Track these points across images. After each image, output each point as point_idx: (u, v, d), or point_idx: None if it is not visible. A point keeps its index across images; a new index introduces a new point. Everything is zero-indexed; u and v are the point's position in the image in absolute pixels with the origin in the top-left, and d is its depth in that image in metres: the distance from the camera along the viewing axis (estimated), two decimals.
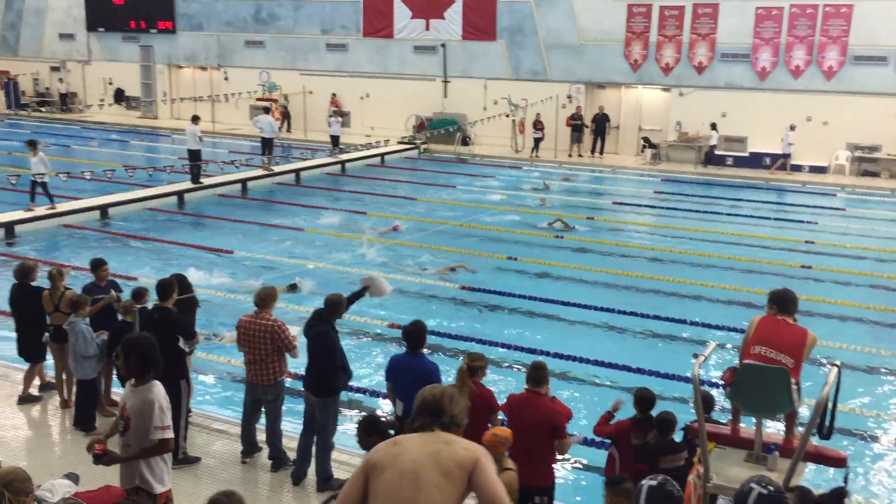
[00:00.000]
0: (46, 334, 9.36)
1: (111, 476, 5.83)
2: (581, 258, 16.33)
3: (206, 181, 22.43)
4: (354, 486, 3.66)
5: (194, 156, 22.24)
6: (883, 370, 11.17)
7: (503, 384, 9.78)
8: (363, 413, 9.70)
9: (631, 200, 22.72)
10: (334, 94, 33.55)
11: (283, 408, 8.13)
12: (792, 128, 25.79)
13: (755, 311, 6.70)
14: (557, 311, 13.18)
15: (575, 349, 11.24)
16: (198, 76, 37.53)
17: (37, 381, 9.67)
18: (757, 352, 5.71)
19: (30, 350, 9.55)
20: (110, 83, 38.84)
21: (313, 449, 7.72)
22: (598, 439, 7.78)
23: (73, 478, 5.83)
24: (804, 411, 6.66)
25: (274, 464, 7.99)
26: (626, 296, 14.05)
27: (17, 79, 39.80)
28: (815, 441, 5.75)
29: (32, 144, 19.08)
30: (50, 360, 9.56)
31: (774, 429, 7.19)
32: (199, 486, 7.50)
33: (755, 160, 27.06)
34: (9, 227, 17.76)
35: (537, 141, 29.11)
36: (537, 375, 6.53)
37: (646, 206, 22.12)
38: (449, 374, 8.07)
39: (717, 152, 27.59)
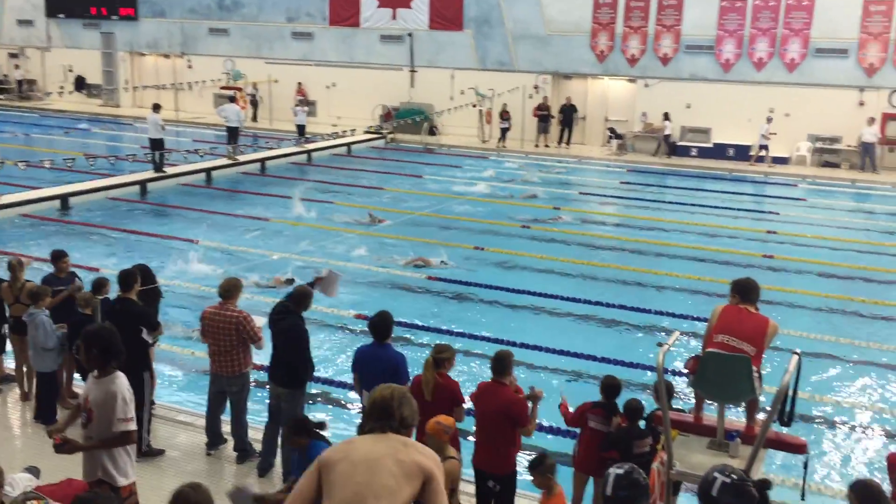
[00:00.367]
0: (6, 326, 9.19)
1: (73, 469, 5.74)
2: (548, 248, 16.41)
3: (169, 170, 22.14)
4: (307, 484, 3.64)
5: (156, 145, 21.92)
6: (842, 358, 11.37)
7: (470, 374, 9.81)
8: (329, 404, 9.68)
9: (597, 191, 22.86)
10: (300, 83, 33.27)
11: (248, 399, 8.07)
12: (769, 120, 26.06)
13: (718, 301, 6.78)
14: (524, 300, 13.24)
15: (541, 338, 11.30)
16: (160, 64, 36.98)
17: None
18: (720, 340, 5.79)
19: None
20: (70, 70, 38.12)
21: (279, 440, 7.68)
22: (563, 427, 7.86)
23: (34, 471, 5.74)
24: (766, 399, 6.76)
25: (239, 456, 7.94)
26: (592, 285, 14.15)
27: None
28: (776, 428, 5.84)
29: None
30: (10, 351, 9.39)
31: (736, 416, 7.29)
32: (164, 478, 7.43)
33: (719, 151, 27.36)
34: None
35: (504, 131, 29.16)
36: (499, 365, 6.56)
37: (612, 196, 22.28)
38: (417, 364, 8.07)
39: (680, 143, 27.88)
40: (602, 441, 6.58)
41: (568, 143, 29.39)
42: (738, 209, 20.59)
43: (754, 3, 26.93)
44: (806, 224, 19.35)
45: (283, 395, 7.59)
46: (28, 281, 9.09)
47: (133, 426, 5.47)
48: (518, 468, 6.69)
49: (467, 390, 7.12)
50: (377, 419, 3.69)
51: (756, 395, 5.86)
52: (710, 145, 27.65)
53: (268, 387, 8.10)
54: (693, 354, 6.04)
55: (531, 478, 6.08)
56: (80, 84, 37.97)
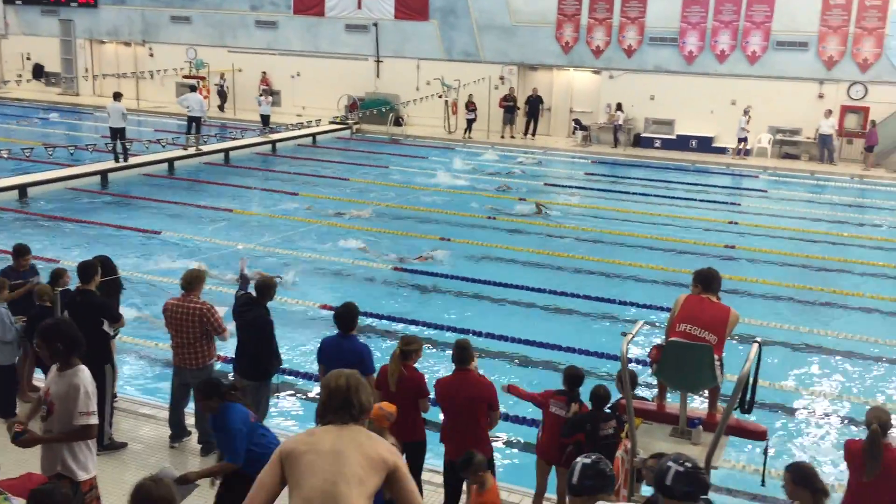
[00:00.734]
0: None
1: (33, 464, 5.65)
2: (513, 239, 16.47)
3: (131, 160, 21.81)
4: (269, 474, 3.63)
5: (118, 134, 21.58)
6: (802, 346, 11.58)
7: (437, 366, 9.82)
8: (293, 395, 9.64)
9: (562, 182, 22.98)
10: (264, 73, 32.96)
11: None
12: (746, 112, 26.33)
13: (681, 290, 6.85)
14: (489, 291, 13.27)
15: (505, 328, 11.35)
16: (121, 52, 36.37)
17: None
18: (682, 329, 5.86)
19: None
20: (28, 58, 37.34)
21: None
22: (520, 415, 7.93)
23: None
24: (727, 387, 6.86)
25: (203, 448, 7.87)
26: (557, 276, 14.23)
27: None
28: (737, 415, 5.93)
29: None
30: None
31: (699, 404, 7.39)
32: (126, 472, 7.35)
33: (682, 142, 27.64)
34: None
35: (470, 122, 29.17)
36: (463, 355, 6.58)
37: (577, 187, 22.40)
38: (383, 356, 8.07)
39: (644, 134, 28.15)
40: (564, 426, 6.61)
41: (534, 134, 29.49)
42: (701, 200, 20.83)
43: None
44: (767, 215, 19.65)
45: (248, 387, 7.53)
46: None
47: (95, 420, 5.40)
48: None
49: (432, 381, 7.12)
50: (336, 410, 3.69)
51: (717, 384, 5.95)
52: (673, 137, 27.92)
53: (232, 378, 8.01)
54: (656, 343, 6.10)
55: (463, 477, 6.10)
56: (39, 72, 37.23)
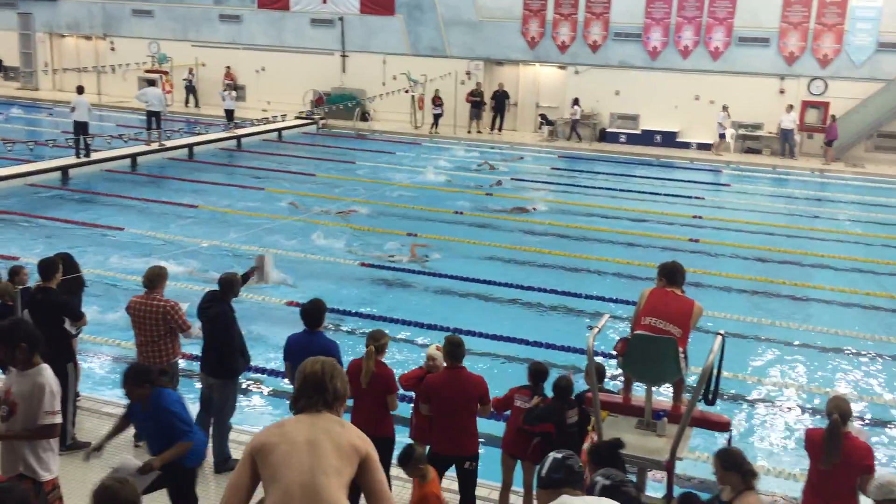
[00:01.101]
0: None
1: None
2: (479, 234, 16.50)
3: (92, 156, 21.48)
4: (242, 473, 3.61)
5: (83, 129, 21.23)
6: (763, 338, 11.76)
7: (402, 360, 9.82)
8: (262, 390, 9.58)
9: (529, 177, 23.06)
10: (228, 68, 32.63)
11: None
12: (725, 109, 26.55)
13: (646, 284, 6.92)
14: (455, 286, 13.30)
15: (473, 323, 11.36)
16: (82, 46, 35.79)
17: None
18: (647, 322, 5.91)
19: None
20: None
21: (210, 430, 7.57)
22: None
23: None
24: (691, 379, 6.94)
25: None
26: (523, 271, 14.28)
27: None
28: (701, 407, 6.01)
29: None
30: None
31: (664, 396, 7.48)
32: (90, 472, 7.21)
33: (647, 137, 27.89)
34: None
35: (437, 117, 29.16)
36: (456, 353, 6.57)
37: (543, 182, 22.50)
38: (350, 351, 8.04)
39: (609, 129, 28.37)
40: (526, 415, 6.63)
41: (500, 129, 29.56)
42: (666, 194, 21.04)
43: None
44: (730, 209, 19.91)
45: (214, 385, 7.48)
46: None
47: (59, 419, 5.33)
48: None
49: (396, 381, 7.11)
50: (310, 395, 3.68)
51: (682, 376, 6.02)
52: (638, 132, 28.17)
53: (198, 376, 7.95)
54: (622, 337, 6.16)
55: (403, 471, 6.10)
56: None
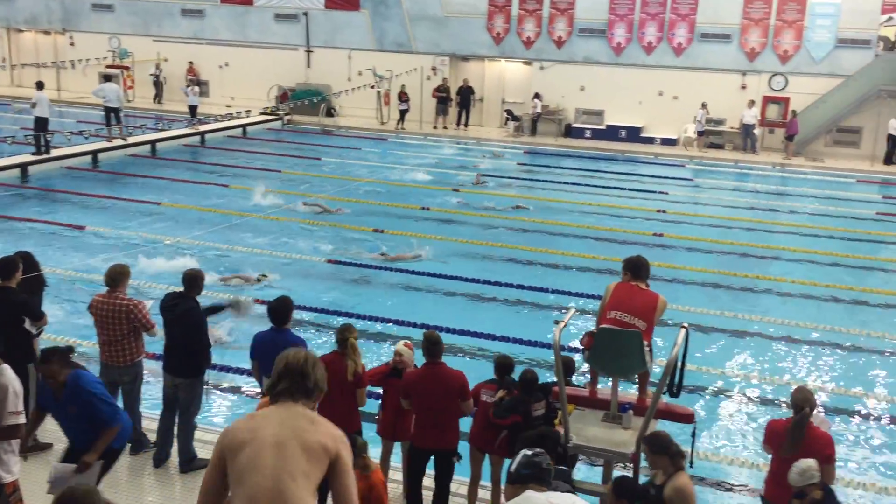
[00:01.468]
0: None
1: None
2: (446, 229, 16.51)
3: (52, 153, 21.11)
4: (213, 475, 3.56)
5: (43, 125, 20.84)
6: (727, 330, 11.92)
7: (371, 357, 9.80)
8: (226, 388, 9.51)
9: (495, 172, 23.10)
10: (191, 63, 32.25)
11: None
12: (704, 106, 26.74)
13: (611, 278, 6.98)
14: (423, 282, 13.30)
15: (439, 319, 11.35)
16: (40, 41, 35.14)
17: None
18: (612, 316, 5.96)
19: None
20: None
21: (175, 429, 7.50)
22: None
23: None
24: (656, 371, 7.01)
25: (133, 447, 7.69)
26: (489, 266, 14.33)
27: None
28: (666, 399, 6.07)
29: None
30: None
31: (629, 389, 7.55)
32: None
33: (612, 133, 28.10)
34: None
35: (403, 113, 29.10)
36: (434, 349, 6.58)
37: (509, 177, 22.55)
38: (318, 349, 8.00)
39: (574, 125, 28.54)
40: (494, 408, 6.67)
41: (466, 124, 29.59)
42: (630, 189, 21.21)
43: None
44: (693, 203, 20.14)
45: (180, 384, 7.39)
46: None
47: (23, 419, 5.27)
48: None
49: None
50: (292, 380, 3.62)
51: (647, 369, 6.08)
52: (603, 127, 28.36)
53: (161, 376, 7.82)
54: (587, 331, 6.20)
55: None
56: None
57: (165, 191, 18.85)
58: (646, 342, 5.88)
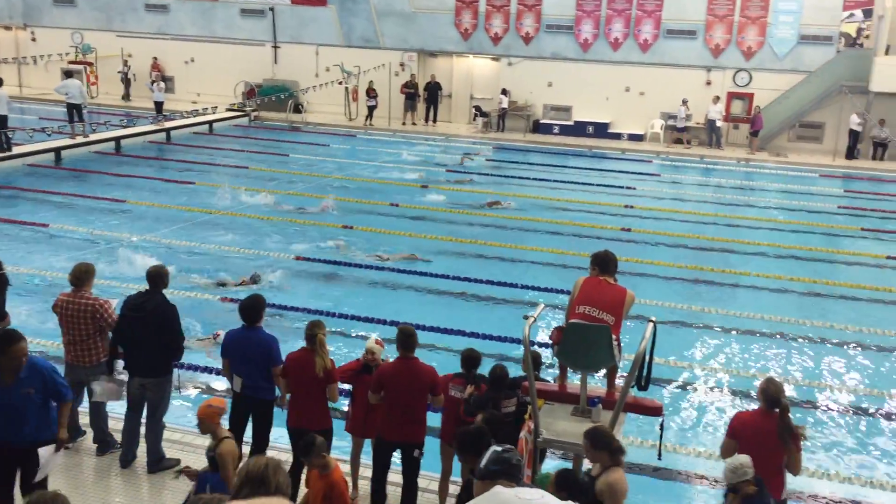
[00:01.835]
0: None
1: None
2: (414, 226, 16.50)
3: (14, 150, 20.74)
4: None
5: (2, 122, 20.46)
6: (694, 324, 12.06)
7: (339, 354, 9.76)
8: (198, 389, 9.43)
9: (463, 168, 23.12)
10: (155, 59, 31.86)
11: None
12: (685, 102, 26.92)
13: (580, 273, 7.03)
14: (391, 278, 13.28)
15: (409, 315, 11.30)
16: (1, 36, 34.47)
17: None
18: (581, 311, 6.00)
19: None
20: None
21: (141, 430, 7.41)
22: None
23: None
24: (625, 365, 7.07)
25: (100, 447, 7.61)
26: (459, 262, 14.34)
27: None
28: (634, 392, 6.13)
29: None
30: None
31: (599, 383, 7.60)
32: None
33: (579, 128, 28.26)
34: None
35: (371, 109, 29.01)
36: (410, 341, 6.58)
37: (478, 173, 22.59)
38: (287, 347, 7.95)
39: (542, 121, 28.66)
40: (465, 405, 6.69)
41: (434, 120, 29.57)
42: (598, 185, 21.35)
43: None
44: (660, 198, 20.33)
45: (149, 384, 7.28)
46: None
47: None
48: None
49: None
50: (252, 488, 3.60)
51: (616, 363, 6.13)
52: (571, 123, 28.51)
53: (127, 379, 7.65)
54: (557, 326, 6.24)
55: (305, 462, 6.09)
56: None
57: (130, 188, 18.61)
58: (614, 336, 5.93)
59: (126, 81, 31.79)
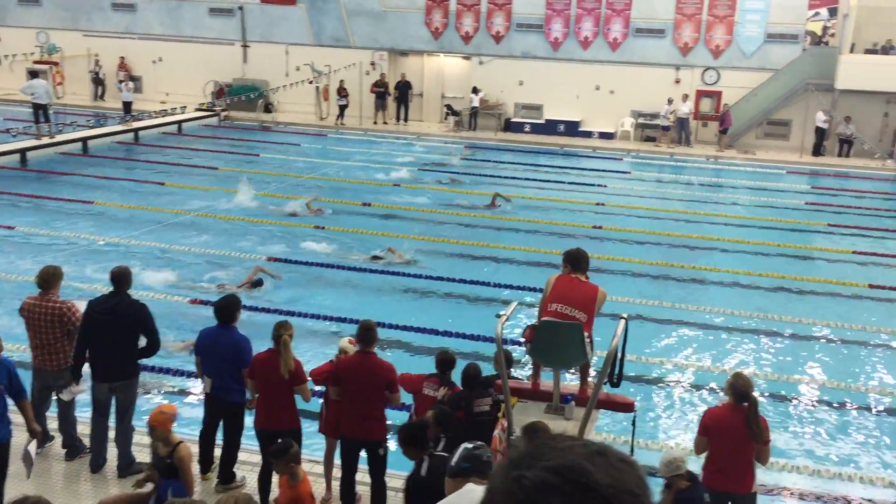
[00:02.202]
0: None
1: None
2: (385, 225, 16.46)
3: None
4: None
5: None
6: (666, 320, 12.15)
7: (311, 352, 9.72)
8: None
9: (436, 167, 23.12)
10: (122, 58, 31.48)
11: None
12: (670, 101, 27.04)
13: (552, 271, 7.05)
14: (364, 278, 13.24)
15: (382, 315, 11.31)
16: None
17: None
18: (553, 309, 6.03)
19: None
20: None
21: (110, 433, 7.32)
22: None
23: None
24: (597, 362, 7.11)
25: (69, 452, 7.51)
26: (431, 261, 14.32)
27: None
28: (606, 389, 6.17)
29: None
30: None
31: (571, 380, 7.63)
32: None
33: (550, 127, 28.36)
34: None
35: (342, 108, 28.89)
36: (369, 336, 6.58)
37: (450, 172, 22.58)
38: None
39: (514, 119, 28.74)
40: (441, 405, 6.69)
41: (405, 119, 29.53)
42: (570, 183, 21.44)
43: None
44: (631, 196, 20.47)
45: (118, 387, 7.19)
46: None
47: None
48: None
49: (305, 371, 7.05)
50: None
51: (588, 360, 6.17)
52: (542, 121, 28.61)
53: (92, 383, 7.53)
54: (529, 324, 6.25)
55: (274, 465, 6.08)
56: None
57: (98, 189, 18.37)
58: (586, 333, 5.96)
59: (98, 82, 31.37)
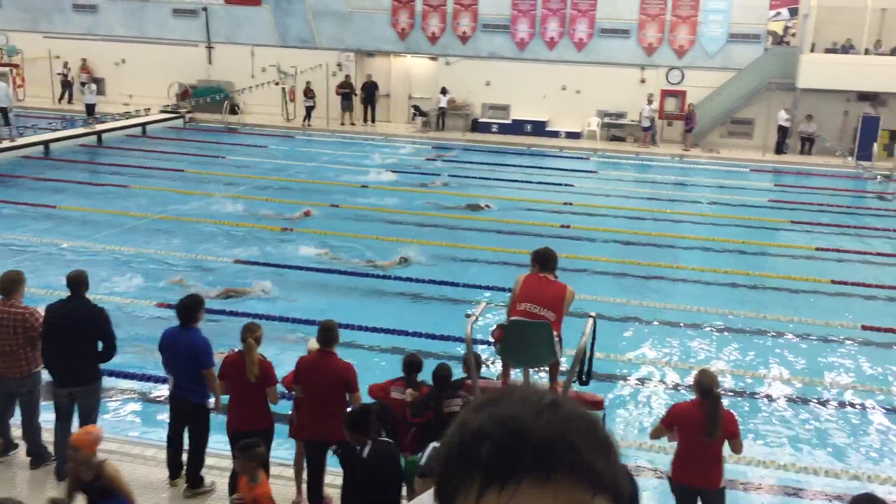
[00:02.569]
0: None
1: None
2: (352, 226, 16.40)
3: None
4: None
5: None
6: (633, 318, 12.25)
7: (286, 356, 9.65)
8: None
9: (402, 168, 23.09)
10: (84, 60, 31.04)
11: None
12: (650, 101, 27.16)
13: (520, 270, 7.08)
14: (330, 279, 13.18)
15: (350, 316, 11.28)
16: None
17: None
18: (523, 308, 6.05)
19: None
20: None
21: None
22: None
23: None
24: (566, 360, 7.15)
25: (34, 460, 7.39)
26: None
27: None
28: (575, 387, 6.20)
29: None
30: None
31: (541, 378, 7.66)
32: None
33: (517, 127, 28.47)
34: None
35: (309, 109, 28.74)
36: (329, 336, 6.56)
37: (418, 172, 22.58)
38: (225, 348, 7.83)
39: (481, 119, 28.81)
40: (411, 408, 6.69)
41: (373, 120, 29.46)
42: (537, 182, 21.53)
43: None
44: (598, 195, 20.60)
45: (78, 392, 7.10)
46: None
47: None
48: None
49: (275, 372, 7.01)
50: None
51: (557, 358, 6.20)
52: (509, 121, 28.70)
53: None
54: (499, 324, 6.27)
55: (235, 462, 6.05)
56: None
57: (61, 193, 18.09)
58: (555, 332, 5.99)
59: (66, 84, 30.87)
